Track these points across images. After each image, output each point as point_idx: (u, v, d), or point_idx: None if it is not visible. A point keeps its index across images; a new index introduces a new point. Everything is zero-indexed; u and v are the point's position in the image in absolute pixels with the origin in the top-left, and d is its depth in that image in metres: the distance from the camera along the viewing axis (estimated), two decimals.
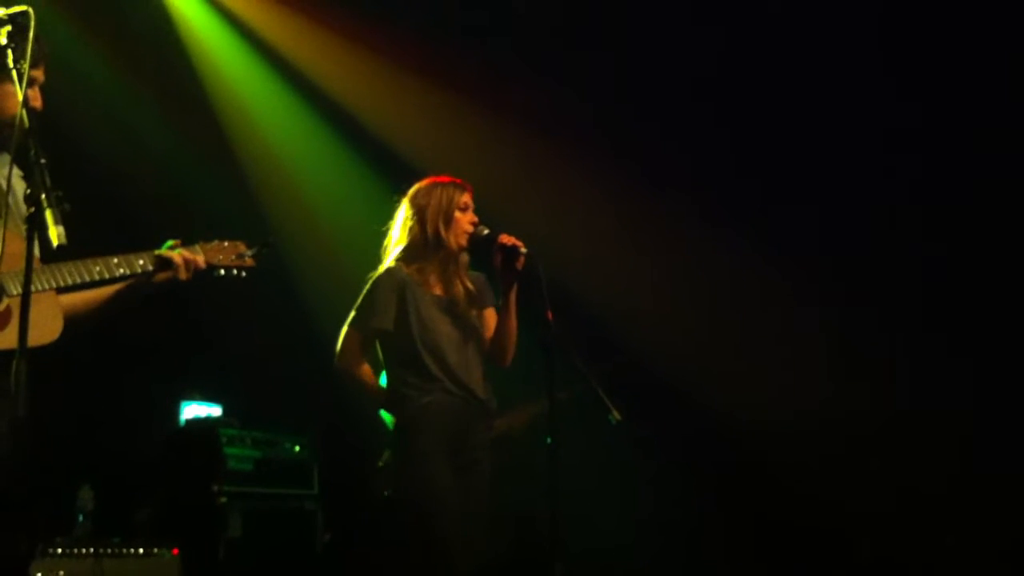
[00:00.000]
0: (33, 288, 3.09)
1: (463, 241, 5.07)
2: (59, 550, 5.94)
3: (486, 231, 5.02)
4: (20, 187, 3.44)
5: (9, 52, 3.34)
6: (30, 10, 3.34)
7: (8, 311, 3.45)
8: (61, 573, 5.86)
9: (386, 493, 5.29)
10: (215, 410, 7.71)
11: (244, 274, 4.09)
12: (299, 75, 8.20)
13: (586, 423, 5.44)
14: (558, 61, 7.83)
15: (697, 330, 7.75)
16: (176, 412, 7.62)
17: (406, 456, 4.93)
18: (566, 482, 4.64)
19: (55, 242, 3.02)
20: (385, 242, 5.23)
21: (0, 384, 3.14)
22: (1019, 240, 7.07)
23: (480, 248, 5.08)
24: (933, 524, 7.16)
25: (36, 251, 3.17)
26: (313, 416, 7.68)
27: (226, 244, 4.06)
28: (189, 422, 7.58)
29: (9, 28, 3.35)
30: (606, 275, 7.78)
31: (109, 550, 6.14)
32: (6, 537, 3.44)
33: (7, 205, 3.53)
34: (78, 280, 3.61)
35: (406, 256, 5.10)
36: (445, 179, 5.18)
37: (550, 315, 4.78)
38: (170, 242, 3.90)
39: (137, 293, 3.84)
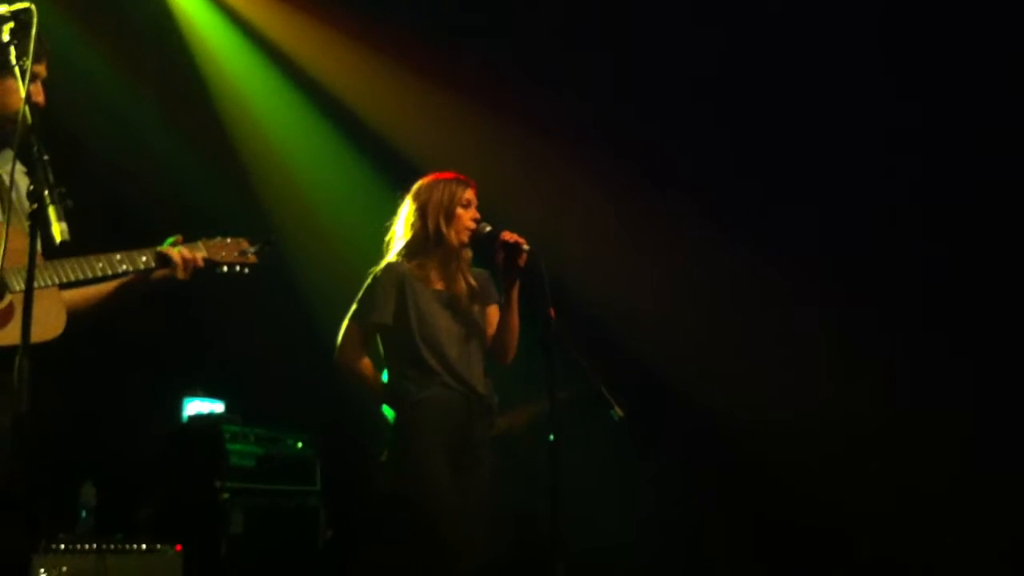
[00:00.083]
0: (36, 284, 3.10)
1: (464, 237, 5.07)
2: (62, 546, 5.94)
3: (488, 228, 5.03)
4: (23, 183, 3.45)
5: (11, 49, 3.35)
6: (32, 7, 3.35)
7: (11, 307, 3.46)
8: (64, 569, 5.86)
9: (385, 489, 5.29)
10: (217, 406, 7.71)
11: (247, 271, 4.09)
12: (301, 73, 8.22)
13: (587, 422, 5.45)
14: (559, 61, 7.83)
15: (697, 330, 7.75)
16: (178, 409, 7.62)
17: (404, 451, 4.93)
18: (567, 481, 4.65)
19: (58, 238, 3.03)
20: (387, 237, 5.24)
21: (3, 380, 3.14)
22: (1019, 240, 7.08)
23: (482, 245, 5.09)
24: (933, 524, 7.16)
25: (39, 247, 3.17)
26: (315, 413, 7.68)
27: (228, 241, 4.06)
28: (191, 419, 7.58)
29: (11, 25, 3.36)
30: (606, 274, 7.79)
31: (112, 546, 6.14)
32: (7, 533, 3.45)
33: (10, 201, 3.55)
34: (81, 276, 3.62)
35: (408, 252, 5.11)
36: (448, 175, 5.19)
37: (552, 312, 4.79)
38: (171, 239, 3.90)
39: (136, 291, 3.85)
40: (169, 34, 7.88)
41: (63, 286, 3.60)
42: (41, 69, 3.66)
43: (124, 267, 3.71)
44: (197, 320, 7.78)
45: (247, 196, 8.07)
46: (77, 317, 3.66)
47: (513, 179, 7.55)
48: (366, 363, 5.11)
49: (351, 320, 5.07)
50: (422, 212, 5.10)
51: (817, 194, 7.49)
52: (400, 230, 5.19)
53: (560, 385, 4.84)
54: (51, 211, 3.02)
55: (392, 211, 5.25)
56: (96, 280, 3.70)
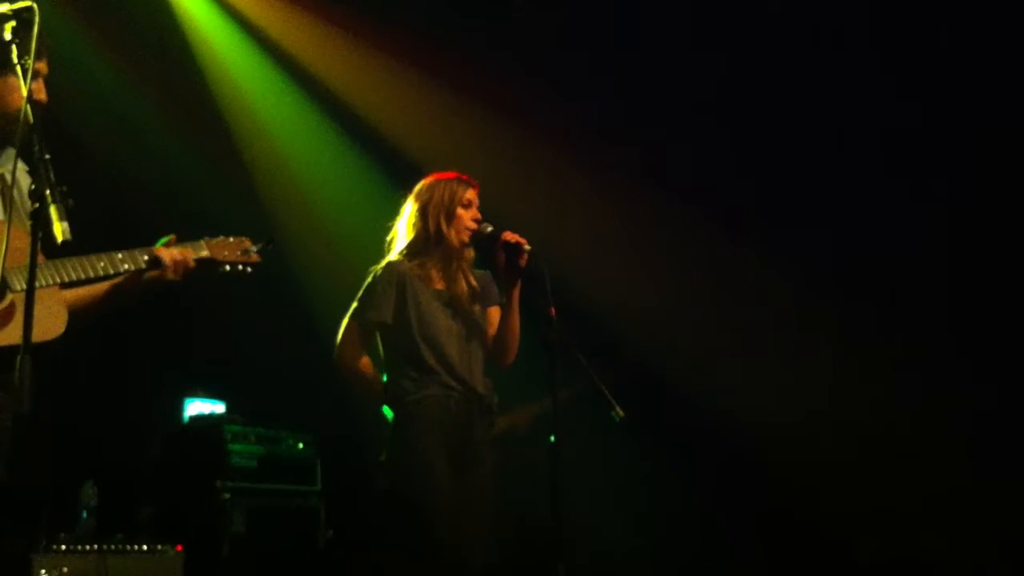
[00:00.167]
0: (37, 284, 3.09)
1: (465, 237, 5.08)
2: (63, 547, 5.94)
3: (490, 228, 5.04)
4: (25, 182, 3.45)
5: (13, 47, 3.34)
6: (34, 5, 3.35)
7: (12, 307, 3.45)
8: (65, 570, 5.86)
9: (384, 488, 5.29)
10: (218, 407, 7.71)
11: (250, 270, 4.08)
12: (302, 72, 8.22)
13: (588, 422, 5.45)
14: (560, 61, 7.83)
15: (699, 330, 7.75)
16: (179, 409, 7.63)
17: (403, 450, 4.94)
18: (568, 481, 4.65)
19: (59, 238, 3.02)
20: (389, 237, 5.25)
21: (4, 380, 3.14)
22: (1022, 240, 7.08)
23: (484, 245, 5.09)
24: (933, 524, 7.16)
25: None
26: (316, 413, 7.68)
27: (231, 240, 4.05)
28: (192, 419, 7.59)
29: (13, 23, 3.36)
30: (607, 274, 7.79)
31: (113, 547, 6.14)
32: (8, 533, 3.45)
33: (12, 200, 3.55)
34: (82, 276, 3.61)
35: (409, 251, 5.12)
36: (450, 175, 5.19)
37: (553, 312, 4.79)
38: (164, 239, 3.89)
39: (128, 292, 3.82)
40: (171, 33, 7.89)
41: (64, 285, 3.60)
42: (43, 66, 3.65)
43: (126, 266, 3.71)
44: (198, 320, 7.79)
45: (249, 196, 8.08)
46: (76, 316, 3.65)
47: (514, 179, 7.55)
48: (365, 362, 5.12)
49: (351, 318, 5.08)
50: (423, 212, 5.11)
51: (818, 194, 7.49)
52: (402, 230, 5.20)
53: (561, 385, 4.85)
54: (52, 210, 3.02)
55: (394, 211, 5.26)
56: (98, 279, 3.69)
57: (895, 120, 7.32)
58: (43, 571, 5.74)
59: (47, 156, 3.12)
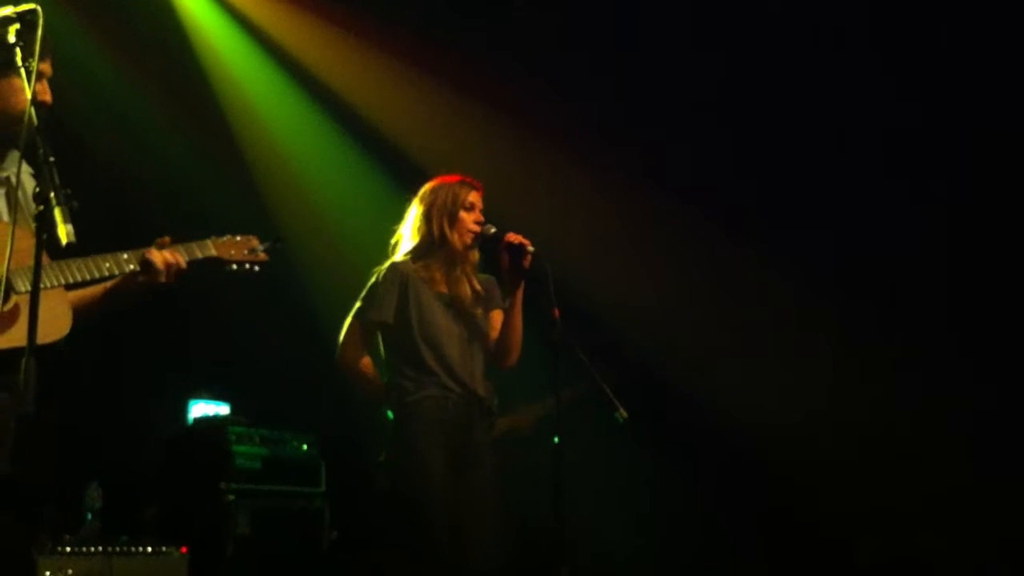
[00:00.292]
0: (42, 285, 3.09)
1: (468, 240, 5.09)
2: (68, 548, 5.94)
3: (493, 229, 5.05)
4: (29, 184, 3.45)
5: (17, 50, 3.35)
6: (38, 8, 3.35)
7: (16, 308, 3.46)
8: (70, 572, 5.86)
9: (384, 489, 5.30)
10: (223, 408, 7.71)
11: (256, 269, 4.07)
12: (304, 72, 8.21)
13: (591, 423, 5.45)
14: (562, 61, 7.84)
15: (701, 331, 7.75)
16: (184, 411, 7.63)
17: (401, 451, 4.95)
18: (571, 483, 4.66)
19: (63, 240, 3.01)
20: (394, 239, 5.26)
21: (9, 381, 3.14)
22: (1021, 240, 7.09)
23: (487, 246, 5.10)
24: (933, 524, 7.16)
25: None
26: (320, 414, 7.68)
27: (238, 239, 4.04)
28: (197, 420, 7.59)
29: (18, 26, 3.36)
30: (610, 275, 7.79)
31: (117, 548, 6.13)
32: (13, 533, 3.45)
33: (16, 202, 3.56)
34: (87, 277, 3.61)
35: (414, 253, 5.14)
36: (454, 178, 5.20)
37: (556, 313, 4.80)
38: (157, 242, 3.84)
39: (124, 293, 3.80)
40: (174, 35, 7.89)
41: (69, 287, 3.60)
42: (46, 68, 3.65)
43: (131, 267, 3.70)
44: (202, 322, 7.79)
45: (251, 196, 8.08)
46: (79, 317, 3.65)
47: (515, 179, 7.55)
48: (366, 362, 5.13)
49: (353, 318, 5.10)
50: (427, 216, 5.13)
51: (818, 194, 7.49)
52: (406, 233, 5.21)
53: (564, 386, 4.86)
54: (57, 212, 3.02)
55: (396, 211, 5.27)
56: (104, 280, 3.69)
57: (895, 120, 7.33)
58: (48, 573, 5.74)
59: (51, 158, 3.11)
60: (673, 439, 7.52)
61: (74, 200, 3.06)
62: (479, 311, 5.17)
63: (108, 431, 7.20)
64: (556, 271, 4.87)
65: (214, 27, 8.07)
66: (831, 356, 7.51)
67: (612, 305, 7.77)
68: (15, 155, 3.57)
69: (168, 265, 3.76)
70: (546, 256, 4.89)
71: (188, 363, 7.95)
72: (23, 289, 3.43)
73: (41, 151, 3.13)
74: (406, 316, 5.02)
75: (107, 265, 3.66)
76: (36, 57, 3.30)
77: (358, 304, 5.11)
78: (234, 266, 4.02)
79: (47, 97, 3.64)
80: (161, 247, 3.79)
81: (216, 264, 3.98)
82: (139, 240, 3.78)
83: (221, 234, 4.01)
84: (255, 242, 4.08)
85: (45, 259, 3.25)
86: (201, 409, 7.66)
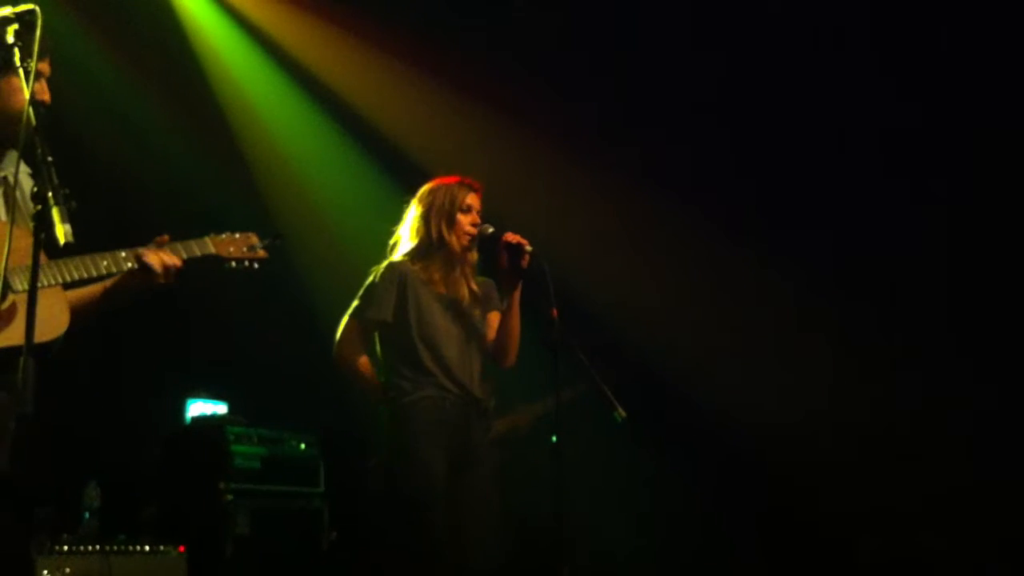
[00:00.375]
0: (40, 284, 3.08)
1: (465, 242, 5.09)
2: (66, 548, 5.93)
3: (491, 229, 5.05)
4: (27, 184, 3.44)
5: (16, 50, 3.34)
6: (37, 8, 3.35)
7: (14, 307, 3.45)
8: (68, 571, 5.85)
9: (382, 488, 5.30)
10: (221, 408, 7.71)
11: (256, 266, 4.06)
12: (304, 72, 8.21)
13: (590, 423, 5.45)
14: (562, 61, 7.84)
15: (700, 330, 7.75)
16: (182, 410, 7.62)
17: (399, 450, 4.96)
18: (570, 482, 4.66)
19: (61, 240, 3.00)
20: (392, 240, 5.26)
21: (7, 381, 3.13)
22: (1021, 240, 7.09)
23: (485, 246, 5.11)
24: (933, 524, 7.16)
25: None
26: (319, 414, 7.68)
27: (237, 236, 4.01)
28: (195, 420, 7.58)
29: (16, 26, 3.36)
30: (609, 275, 7.79)
31: (115, 548, 6.13)
32: (12, 533, 3.45)
33: (15, 201, 3.55)
34: (85, 275, 3.59)
35: (412, 254, 5.14)
36: (452, 179, 5.20)
37: (555, 313, 4.80)
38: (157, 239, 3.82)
39: (122, 292, 3.78)
40: (174, 35, 7.89)
41: (67, 285, 3.59)
42: (45, 67, 3.64)
43: (129, 265, 3.69)
44: (200, 321, 7.78)
45: (252, 197, 8.08)
46: (76, 316, 3.64)
47: (515, 179, 7.55)
48: (364, 360, 5.13)
49: (351, 316, 5.10)
50: (425, 217, 5.13)
51: (818, 194, 7.49)
52: (405, 234, 5.21)
53: (563, 386, 4.86)
54: (55, 212, 3.01)
55: (395, 210, 5.28)
56: (101, 279, 3.68)
57: (895, 120, 7.33)
58: (46, 572, 5.73)
59: (50, 158, 3.11)
60: (673, 439, 7.52)
61: (72, 200, 3.05)
62: (477, 312, 5.18)
63: (106, 430, 7.19)
64: (555, 271, 4.87)
65: (214, 27, 8.07)
66: (831, 356, 7.50)
67: (611, 305, 7.77)
68: (13, 155, 3.56)
69: (166, 268, 3.74)
70: (545, 256, 4.90)
71: (186, 362, 7.94)
72: (20, 288, 3.42)
73: (39, 151, 3.12)
74: (404, 316, 5.03)
75: (105, 263, 3.65)
76: (35, 57, 3.29)
77: (355, 303, 5.11)
78: (233, 263, 3.99)
79: (46, 96, 3.64)
80: (160, 245, 3.77)
81: (215, 262, 3.95)
82: (138, 240, 3.76)
83: (220, 232, 3.99)
84: (254, 239, 4.05)
85: (43, 258, 3.24)
86: (199, 408, 7.65)
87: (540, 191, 7.99)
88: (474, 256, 5.20)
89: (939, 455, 7.08)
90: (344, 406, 6.75)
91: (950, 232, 7.28)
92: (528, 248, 4.90)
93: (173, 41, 7.89)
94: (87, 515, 6.42)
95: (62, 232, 2.99)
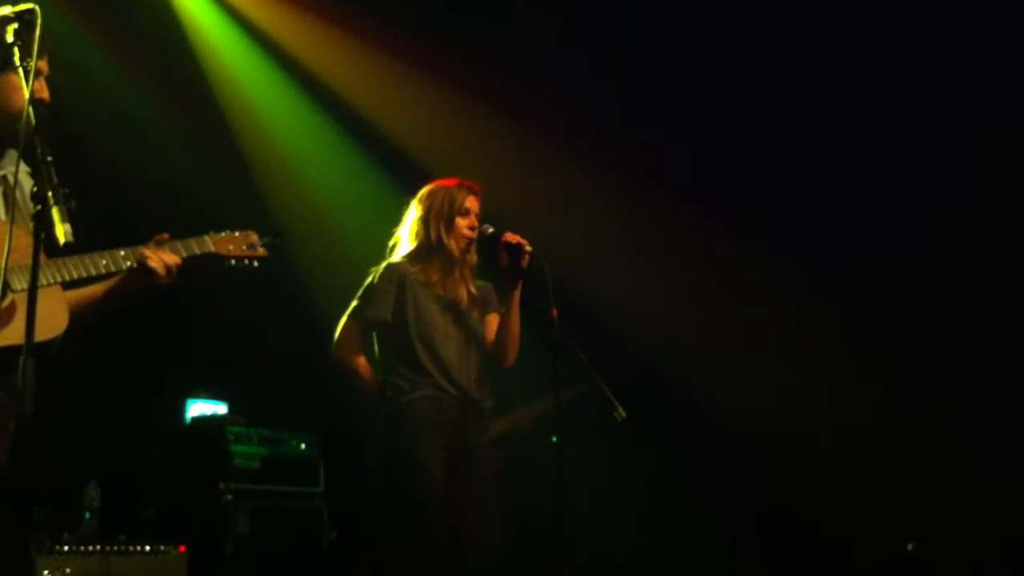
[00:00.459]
0: (39, 283, 3.08)
1: (463, 244, 5.09)
2: (66, 548, 5.92)
3: (491, 229, 5.05)
4: (27, 183, 3.44)
5: (15, 50, 3.34)
6: (36, 7, 3.35)
7: (13, 306, 3.44)
8: (68, 571, 5.84)
9: (381, 488, 5.30)
10: (221, 408, 7.70)
11: (256, 264, 4.04)
12: (304, 71, 8.21)
13: (590, 423, 5.45)
14: (562, 61, 7.84)
15: (701, 330, 7.75)
16: (182, 410, 7.62)
17: (398, 451, 4.96)
18: (570, 482, 4.66)
19: (61, 240, 2.99)
20: (392, 242, 5.27)
21: (7, 381, 3.13)
22: (1021, 240, 7.09)
23: (485, 246, 5.11)
24: (933, 524, 7.16)
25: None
26: (319, 414, 7.67)
27: (237, 234, 3.99)
28: (195, 420, 7.57)
29: (16, 26, 3.36)
30: (609, 275, 7.79)
31: (116, 547, 6.12)
32: (12, 534, 3.44)
33: (14, 200, 3.55)
34: (84, 274, 3.58)
35: (411, 256, 5.14)
36: (452, 182, 5.21)
37: (555, 313, 4.80)
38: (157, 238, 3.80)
39: (124, 292, 3.76)
40: (174, 34, 7.89)
41: (67, 285, 3.58)
42: (43, 65, 3.64)
43: (128, 264, 3.68)
44: (200, 321, 7.78)
45: (251, 196, 8.08)
46: (76, 316, 3.63)
47: (515, 179, 7.56)
48: (362, 360, 5.14)
49: (349, 316, 5.10)
50: (424, 219, 5.14)
51: (818, 194, 7.49)
52: (404, 236, 5.22)
53: (563, 385, 4.86)
54: (55, 212, 3.00)
55: (395, 210, 5.29)
56: (101, 278, 3.68)
57: (895, 120, 7.33)
58: (46, 572, 5.72)
59: (49, 158, 3.10)
60: (673, 439, 7.51)
61: (72, 199, 3.04)
62: (475, 314, 5.18)
63: (106, 430, 7.18)
64: (555, 271, 4.87)
65: (214, 26, 8.07)
66: (831, 356, 7.51)
67: (611, 305, 7.77)
68: (13, 154, 3.56)
69: (167, 267, 3.73)
70: (545, 256, 4.90)
71: (186, 362, 7.94)
72: (19, 287, 3.41)
73: (39, 150, 3.11)
74: (403, 316, 5.03)
75: (104, 262, 3.64)
76: (34, 57, 3.29)
77: (354, 303, 5.12)
78: (233, 262, 3.97)
79: (45, 95, 3.63)
80: (159, 244, 3.77)
81: (215, 260, 3.94)
82: (138, 239, 3.75)
83: (220, 231, 3.98)
84: (254, 237, 4.02)
85: (42, 257, 3.24)
86: (199, 408, 7.65)
87: (540, 191, 7.99)
88: (473, 258, 5.20)
89: (939, 455, 7.08)
90: (344, 406, 6.75)
91: (950, 232, 7.28)
92: (528, 248, 4.90)
93: (173, 40, 7.88)
94: (87, 515, 6.42)
95: (62, 232, 2.99)
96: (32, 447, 3.04)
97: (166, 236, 3.80)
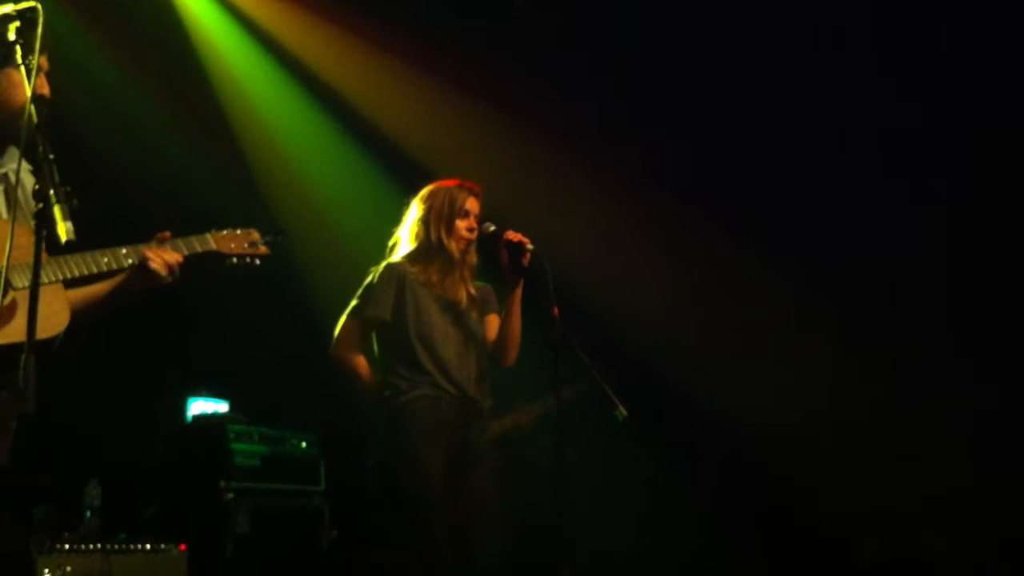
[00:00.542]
0: (40, 280, 3.08)
1: (462, 246, 5.10)
2: (67, 546, 5.93)
3: (492, 228, 5.06)
4: (29, 181, 3.44)
5: (17, 48, 3.34)
6: (38, 5, 3.35)
7: (14, 304, 3.44)
8: (69, 569, 5.85)
9: (380, 487, 5.30)
10: (222, 406, 7.70)
11: (258, 262, 4.04)
12: (304, 71, 8.22)
13: (591, 421, 5.45)
14: (562, 61, 7.84)
15: (701, 330, 7.75)
16: (183, 408, 7.63)
17: (398, 450, 4.97)
18: (571, 482, 4.66)
19: (63, 238, 2.99)
20: (391, 241, 5.27)
21: (8, 379, 3.13)
22: (1021, 240, 7.08)
23: (486, 244, 5.11)
24: (933, 524, 7.16)
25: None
26: (320, 412, 7.68)
27: (239, 232, 3.99)
28: (196, 418, 7.58)
29: (18, 24, 3.36)
30: (610, 274, 7.79)
31: (116, 546, 6.13)
32: (12, 533, 3.44)
33: (16, 198, 3.55)
34: (85, 272, 3.58)
35: (411, 257, 5.15)
36: (452, 182, 5.21)
37: (556, 312, 4.81)
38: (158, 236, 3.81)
39: (127, 292, 3.76)
40: (175, 33, 7.90)
41: (68, 283, 3.58)
42: (43, 62, 3.64)
43: (130, 261, 3.68)
44: (201, 319, 7.79)
45: (252, 196, 8.09)
46: (78, 316, 3.63)
47: (516, 178, 7.56)
48: (361, 359, 5.14)
49: (349, 315, 5.12)
50: (424, 220, 5.15)
51: (818, 194, 7.49)
52: (404, 236, 5.22)
53: (564, 385, 4.86)
54: (56, 210, 3.00)
55: (395, 209, 5.29)
56: (102, 276, 3.67)
57: (895, 120, 7.33)
58: (47, 571, 5.73)
59: (51, 156, 3.10)
60: (673, 439, 7.51)
61: (74, 198, 3.04)
62: (475, 315, 5.19)
63: (107, 429, 7.19)
64: (556, 270, 4.88)
65: (215, 26, 8.08)
66: (831, 356, 7.50)
67: (612, 304, 7.77)
68: (14, 151, 3.56)
69: (169, 267, 3.73)
70: (546, 255, 4.90)
71: (187, 361, 7.95)
72: (21, 285, 3.41)
73: (41, 148, 3.12)
74: (403, 316, 5.04)
75: (105, 260, 3.64)
76: (36, 54, 3.29)
77: (354, 302, 5.13)
78: (235, 260, 3.97)
79: (45, 91, 3.63)
80: (161, 242, 3.77)
81: (216, 258, 3.94)
82: (139, 238, 3.76)
83: (221, 229, 3.98)
84: (256, 235, 4.02)
85: (44, 256, 3.24)
86: (200, 407, 7.66)
87: (540, 191, 7.99)
88: (473, 259, 5.21)
89: (939, 455, 7.07)
90: (345, 405, 6.75)
91: (950, 232, 7.27)
92: (529, 246, 4.91)
93: (174, 40, 7.90)
94: (88, 513, 6.43)
95: (64, 230, 2.99)
96: (33, 446, 3.04)
97: (167, 234, 3.80)
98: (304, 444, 7.44)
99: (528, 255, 4.91)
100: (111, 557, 6.06)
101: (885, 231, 7.43)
